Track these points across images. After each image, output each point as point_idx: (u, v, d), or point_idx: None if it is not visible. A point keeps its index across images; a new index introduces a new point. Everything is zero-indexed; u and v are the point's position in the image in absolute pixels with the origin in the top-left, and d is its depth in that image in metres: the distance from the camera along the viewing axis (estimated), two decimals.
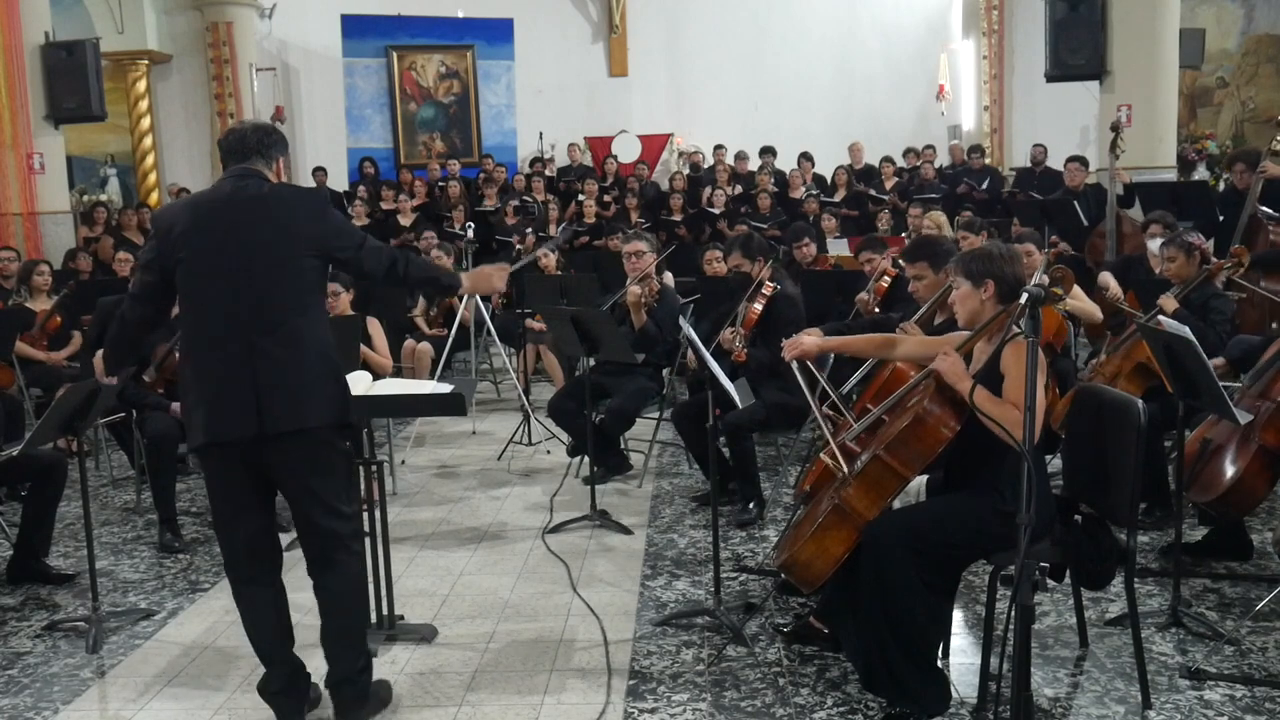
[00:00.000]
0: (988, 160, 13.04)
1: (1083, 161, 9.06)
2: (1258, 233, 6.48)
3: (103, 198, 13.51)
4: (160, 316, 3.21)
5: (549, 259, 8.28)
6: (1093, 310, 5.66)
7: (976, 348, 3.24)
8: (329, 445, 3.10)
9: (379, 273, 3.22)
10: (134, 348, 3.34)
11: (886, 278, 5.75)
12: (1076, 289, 5.56)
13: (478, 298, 7.24)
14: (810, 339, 3.61)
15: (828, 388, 3.77)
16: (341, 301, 5.70)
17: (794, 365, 3.60)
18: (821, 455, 3.38)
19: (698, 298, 6.27)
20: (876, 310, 5.64)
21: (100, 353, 3.55)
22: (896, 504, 3.25)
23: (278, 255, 3.02)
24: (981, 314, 3.23)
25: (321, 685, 3.26)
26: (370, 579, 3.72)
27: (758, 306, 5.14)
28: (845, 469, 3.22)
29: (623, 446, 6.01)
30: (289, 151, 3.31)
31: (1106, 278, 5.82)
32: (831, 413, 3.79)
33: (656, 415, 6.18)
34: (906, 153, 12.65)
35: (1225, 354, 4.76)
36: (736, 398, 3.93)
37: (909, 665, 3.01)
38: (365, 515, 3.70)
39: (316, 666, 3.45)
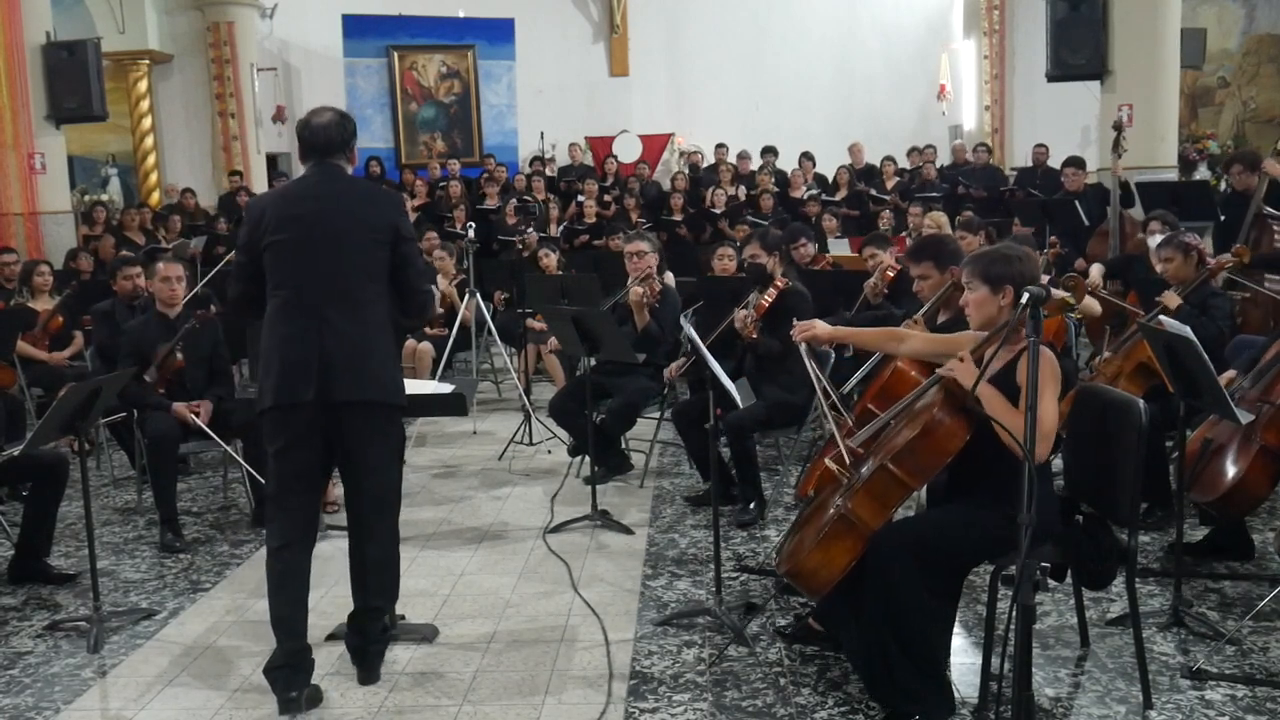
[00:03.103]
0: (990, 159, 13.02)
1: (1080, 164, 9.04)
2: (1263, 233, 6.47)
3: (104, 197, 13.52)
4: (258, 291, 3.39)
5: (549, 259, 8.28)
6: (1093, 305, 5.66)
7: (988, 353, 3.21)
8: (386, 419, 3.40)
9: (417, 286, 3.47)
10: (253, 308, 3.52)
11: (890, 271, 5.79)
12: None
13: (479, 298, 7.25)
14: (822, 326, 3.59)
15: (829, 387, 3.76)
16: None
17: (802, 348, 3.57)
18: (827, 460, 3.37)
19: (700, 304, 6.24)
20: (885, 293, 5.68)
21: None
22: (899, 512, 3.24)
23: (355, 243, 3.31)
24: (997, 319, 3.17)
25: (319, 677, 3.29)
26: None
27: (770, 296, 5.19)
28: (850, 475, 3.20)
29: (623, 446, 6.01)
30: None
31: (1093, 268, 5.85)
32: (833, 413, 3.78)
33: (657, 415, 6.18)
34: (910, 152, 12.65)
35: (1229, 356, 4.75)
36: (738, 397, 3.93)
37: (914, 671, 3.01)
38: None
39: (315, 669, 3.45)
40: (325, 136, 3.38)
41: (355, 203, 3.37)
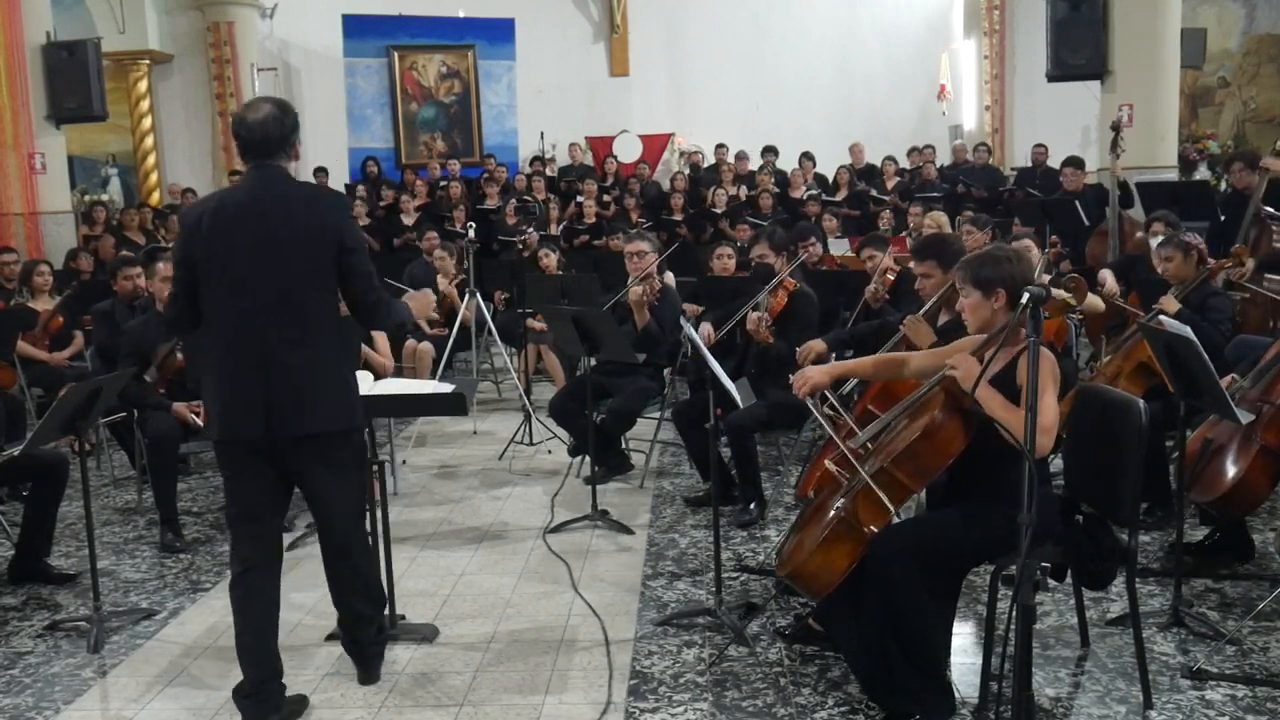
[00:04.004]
0: (990, 159, 13.03)
1: (1078, 164, 9.04)
2: (1263, 233, 6.47)
3: (104, 197, 13.52)
4: (199, 307, 3.17)
5: (550, 259, 8.28)
6: (1096, 303, 5.67)
7: (986, 354, 3.21)
8: (341, 445, 3.23)
9: (366, 298, 3.22)
10: (195, 325, 3.25)
11: (890, 274, 5.76)
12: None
13: (479, 298, 7.25)
14: (818, 371, 3.43)
15: (827, 391, 3.75)
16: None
17: (808, 401, 3.43)
18: (826, 462, 3.36)
19: (702, 310, 6.22)
20: (887, 297, 5.63)
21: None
22: (899, 513, 3.23)
23: (298, 256, 3.09)
24: (993, 322, 3.17)
25: (308, 690, 3.30)
26: None
27: (782, 298, 5.17)
28: (855, 477, 3.20)
29: (624, 446, 6.01)
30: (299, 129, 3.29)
31: (1105, 274, 5.82)
32: (831, 413, 3.77)
33: (657, 415, 6.18)
34: (910, 152, 12.65)
35: (1230, 356, 4.76)
36: (738, 397, 3.93)
37: (914, 672, 3.01)
38: (366, 515, 3.72)
39: (315, 669, 3.45)
40: (263, 134, 3.11)
41: (297, 213, 3.11)
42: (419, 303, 3.75)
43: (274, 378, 3.07)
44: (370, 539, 3.54)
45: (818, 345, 4.88)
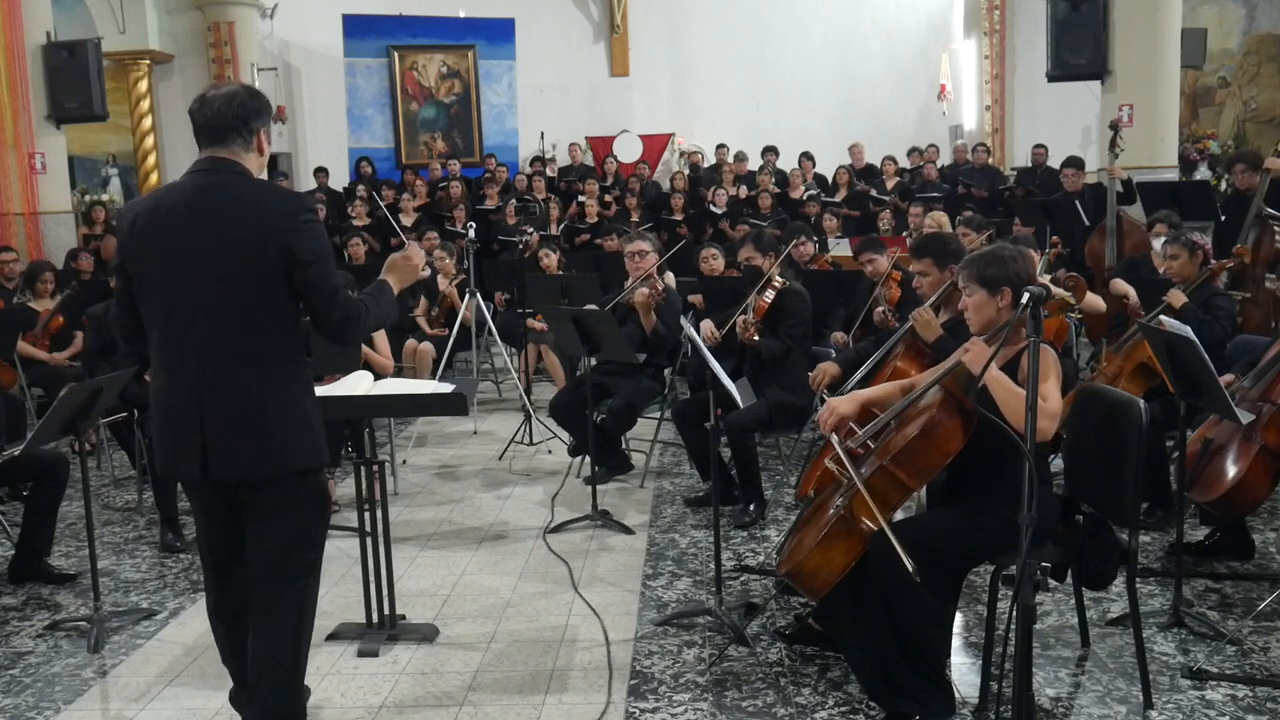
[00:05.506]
0: (990, 159, 13.03)
1: (1078, 164, 9.05)
2: (1264, 233, 6.47)
3: (104, 198, 13.51)
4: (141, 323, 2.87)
5: (550, 259, 8.28)
6: (1096, 302, 5.66)
7: (994, 344, 3.20)
8: (286, 492, 2.81)
9: (327, 314, 2.76)
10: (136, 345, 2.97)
11: (893, 282, 5.72)
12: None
13: (479, 298, 7.24)
14: (843, 403, 3.35)
15: (825, 392, 3.75)
16: None
17: (833, 438, 3.32)
18: (827, 462, 3.36)
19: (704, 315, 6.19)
20: (897, 324, 5.56)
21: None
22: (899, 513, 3.23)
23: (239, 271, 2.67)
24: (998, 321, 3.18)
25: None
26: (371, 578, 3.76)
27: (768, 297, 5.18)
28: (850, 478, 3.20)
29: (624, 446, 6.01)
30: (270, 119, 2.89)
31: (1123, 286, 5.79)
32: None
33: (658, 415, 6.18)
34: (911, 152, 12.65)
35: (1228, 355, 4.76)
36: (738, 397, 3.93)
37: (914, 671, 3.01)
38: (366, 515, 3.73)
39: (315, 669, 3.45)
40: (214, 111, 2.72)
41: (240, 220, 2.68)
42: (400, 270, 3.07)
43: (210, 414, 2.70)
44: (309, 622, 2.98)
45: (831, 369, 4.79)
